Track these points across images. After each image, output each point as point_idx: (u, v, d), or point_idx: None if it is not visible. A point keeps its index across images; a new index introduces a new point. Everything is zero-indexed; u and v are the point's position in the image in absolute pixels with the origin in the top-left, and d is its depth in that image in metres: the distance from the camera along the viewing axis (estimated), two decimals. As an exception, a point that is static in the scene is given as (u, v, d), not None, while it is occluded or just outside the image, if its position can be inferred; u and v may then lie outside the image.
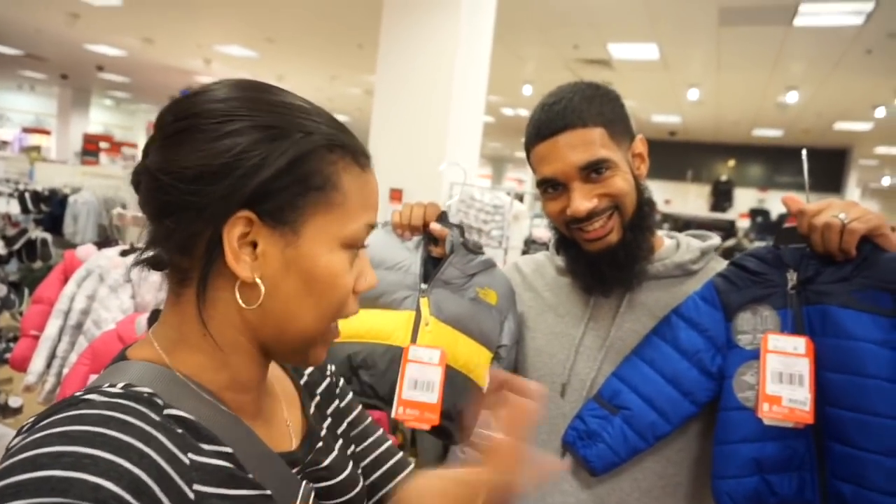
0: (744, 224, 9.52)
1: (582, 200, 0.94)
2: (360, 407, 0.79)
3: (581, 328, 1.04)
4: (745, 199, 13.85)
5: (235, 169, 0.51)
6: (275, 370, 0.69)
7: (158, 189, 0.53)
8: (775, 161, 14.01)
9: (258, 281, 0.53)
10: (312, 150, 0.53)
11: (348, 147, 0.56)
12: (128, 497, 0.41)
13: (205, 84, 0.57)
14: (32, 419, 0.47)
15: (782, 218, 10.91)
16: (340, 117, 0.60)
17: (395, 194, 4.67)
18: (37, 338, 2.15)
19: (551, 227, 1.09)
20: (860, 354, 0.86)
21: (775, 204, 13.20)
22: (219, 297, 0.55)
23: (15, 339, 2.42)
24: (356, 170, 0.56)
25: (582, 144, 0.93)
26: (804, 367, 0.89)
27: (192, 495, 0.47)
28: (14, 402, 3.23)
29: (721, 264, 1.06)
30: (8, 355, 2.95)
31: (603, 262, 0.99)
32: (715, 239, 1.09)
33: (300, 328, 0.56)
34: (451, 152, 4.58)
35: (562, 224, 1.00)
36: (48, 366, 2.09)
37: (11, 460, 0.41)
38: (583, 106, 0.94)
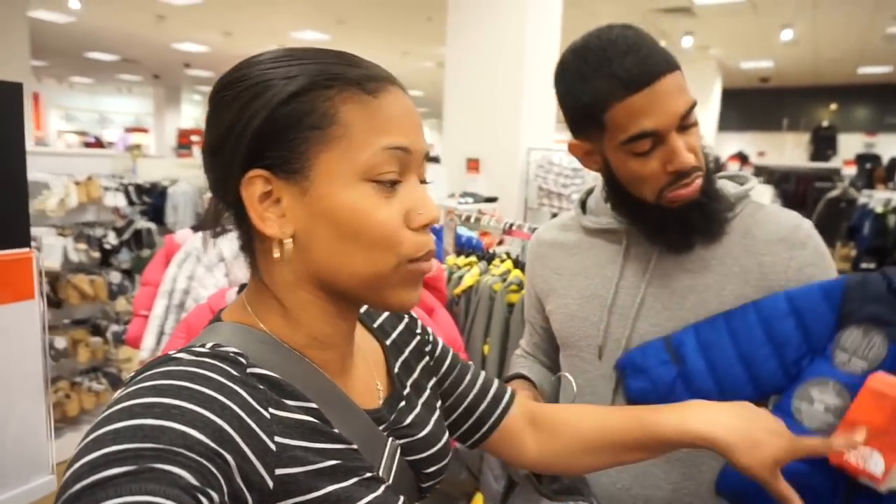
0: (850, 172, 8.76)
1: (687, 151, 0.87)
2: (450, 358, 0.81)
3: (612, 289, 1.01)
4: (850, 145, 12.73)
5: (231, 133, 0.54)
6: (360, 330, 0.71)
7: (205, 168, 0.58)
8: (884, 101, 12.80)
9: (283, 236, 0.55)
10: (298, 93, 0.53)
11: (347, 77, 0.54)
12: (212, 444, 0.44)
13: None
14: (132, 374, 0.51)
15: (894, 162, 9.99)
16: (414, 93, 0.59)
17: (473, 164, 4.65)
18: (147, 317, 2.33)
19: (607, 189, 1.00)
20: None
21: (886, 148, 12.07)
22: (270, 259, 0.57)
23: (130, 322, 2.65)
24: (361, 97, 0.54)
25: (678, 89, 0.86)
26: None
27: (273, 447, 0.49)
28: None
29: (759, 209, 0.98)
30: (125, 336, 3.22)
31: (692, 214, 0.92)
32: (751, 182, 1.01)
33: (351, 273, 0.56)
34: (526, 118, 4.50)
35: (655, 187, 0.90)
36: (158, 342, 2.27)
37: (110, 410, 0.45)
38: (660, 48, 0.87)
